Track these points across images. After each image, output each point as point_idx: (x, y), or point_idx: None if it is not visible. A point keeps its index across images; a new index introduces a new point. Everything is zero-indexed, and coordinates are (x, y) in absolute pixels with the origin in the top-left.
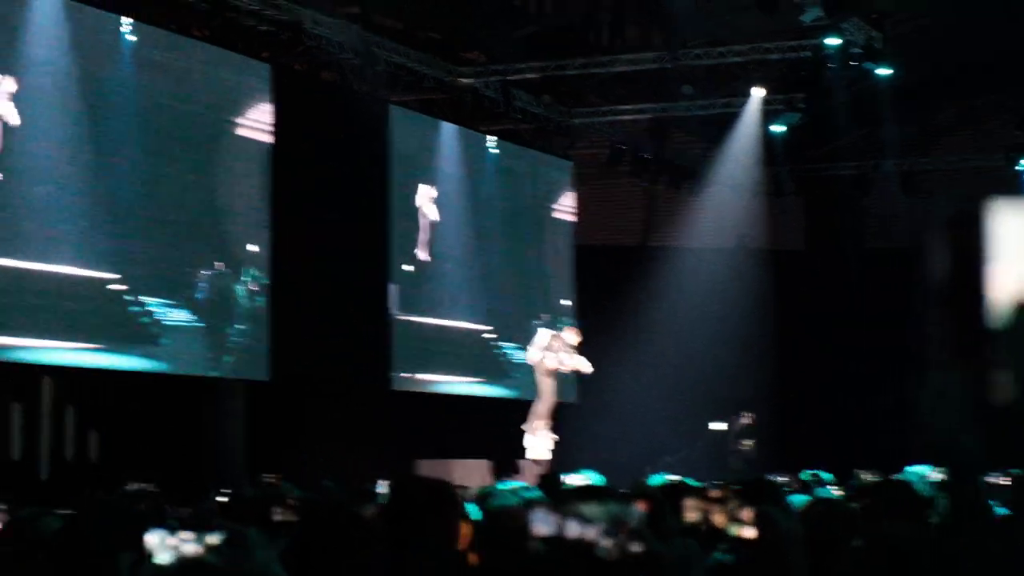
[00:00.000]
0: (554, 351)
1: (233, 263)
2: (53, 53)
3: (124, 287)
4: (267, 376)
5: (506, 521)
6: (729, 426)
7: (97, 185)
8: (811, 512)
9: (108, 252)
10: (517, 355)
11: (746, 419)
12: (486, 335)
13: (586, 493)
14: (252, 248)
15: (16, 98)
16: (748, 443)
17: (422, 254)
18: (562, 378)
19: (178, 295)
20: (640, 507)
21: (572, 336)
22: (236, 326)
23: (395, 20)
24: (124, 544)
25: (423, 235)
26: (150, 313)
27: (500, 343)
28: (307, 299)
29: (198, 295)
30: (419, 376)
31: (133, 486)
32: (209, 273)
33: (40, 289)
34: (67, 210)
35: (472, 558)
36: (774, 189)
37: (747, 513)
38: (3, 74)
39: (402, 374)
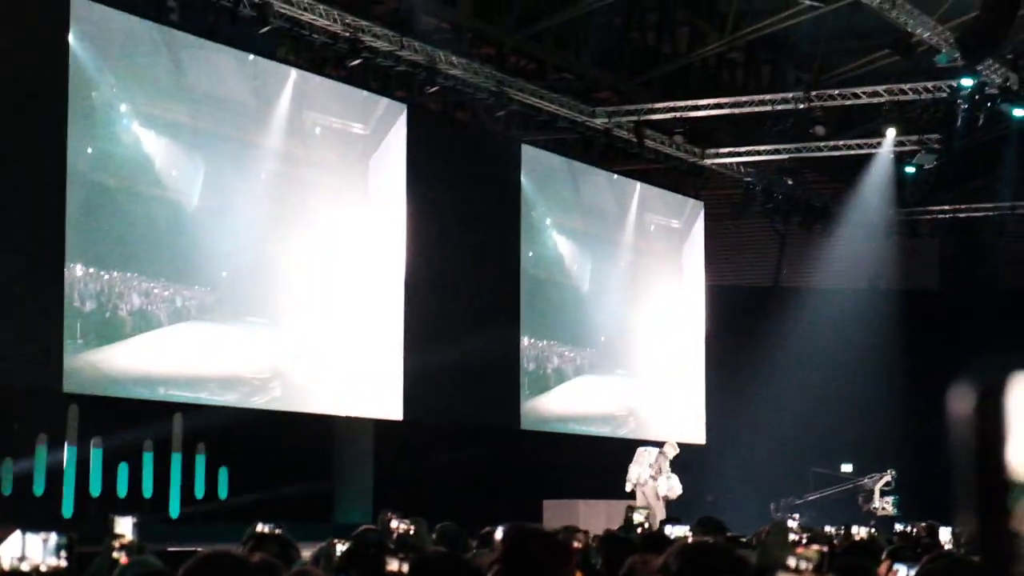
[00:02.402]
0: (646, 465)
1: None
2: (206, 93)
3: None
4: (400, 415)
5: None
6: (869, 483)
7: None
8: (931, 570)
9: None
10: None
11: (888, 476)
12: (619, 373)
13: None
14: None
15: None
16: (888, 501)
17: (549, 289)
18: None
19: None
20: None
21: (671, 450)
22: (369, 364)
23: (528, 61)
24: None
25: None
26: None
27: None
28: (439, 335)
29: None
30: (543, 403)
31: (261, 528)
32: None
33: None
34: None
35: None
36: (907, 230)
37: None
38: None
39: (528, 402)
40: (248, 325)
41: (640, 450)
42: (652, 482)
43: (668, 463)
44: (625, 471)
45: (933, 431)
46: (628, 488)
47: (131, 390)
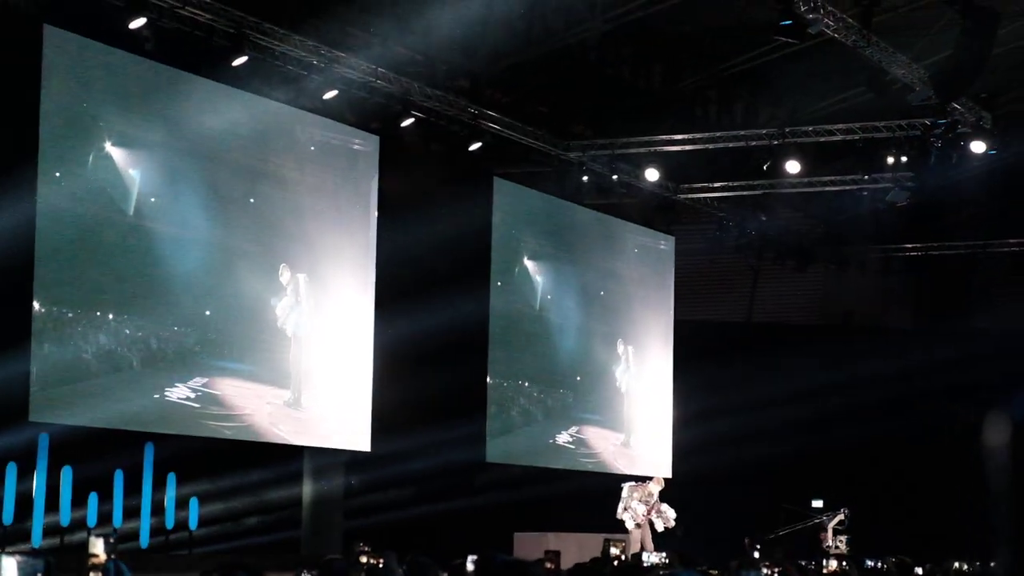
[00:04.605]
0: (638, 502)
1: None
2: (182, 122)
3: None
4: (369, 447)
5: None
6: (824, 520)
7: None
8: None
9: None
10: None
11: (841, 515)
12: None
13: None
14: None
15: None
16: (842, 540)
17: (521, 324)
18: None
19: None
20: None
21: (656, 486)
22: (339, 395)
23: (503, 94)
24: None
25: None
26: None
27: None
28: (409, 366)
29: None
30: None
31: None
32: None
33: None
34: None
35: None
36: (881, 267)
37: None
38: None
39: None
40: (230, 368)
41: (624, 486)
42: (624, 513)
43: (634, 495)
44: (595, 504)
45: (903, 468)
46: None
47: (101, 419)
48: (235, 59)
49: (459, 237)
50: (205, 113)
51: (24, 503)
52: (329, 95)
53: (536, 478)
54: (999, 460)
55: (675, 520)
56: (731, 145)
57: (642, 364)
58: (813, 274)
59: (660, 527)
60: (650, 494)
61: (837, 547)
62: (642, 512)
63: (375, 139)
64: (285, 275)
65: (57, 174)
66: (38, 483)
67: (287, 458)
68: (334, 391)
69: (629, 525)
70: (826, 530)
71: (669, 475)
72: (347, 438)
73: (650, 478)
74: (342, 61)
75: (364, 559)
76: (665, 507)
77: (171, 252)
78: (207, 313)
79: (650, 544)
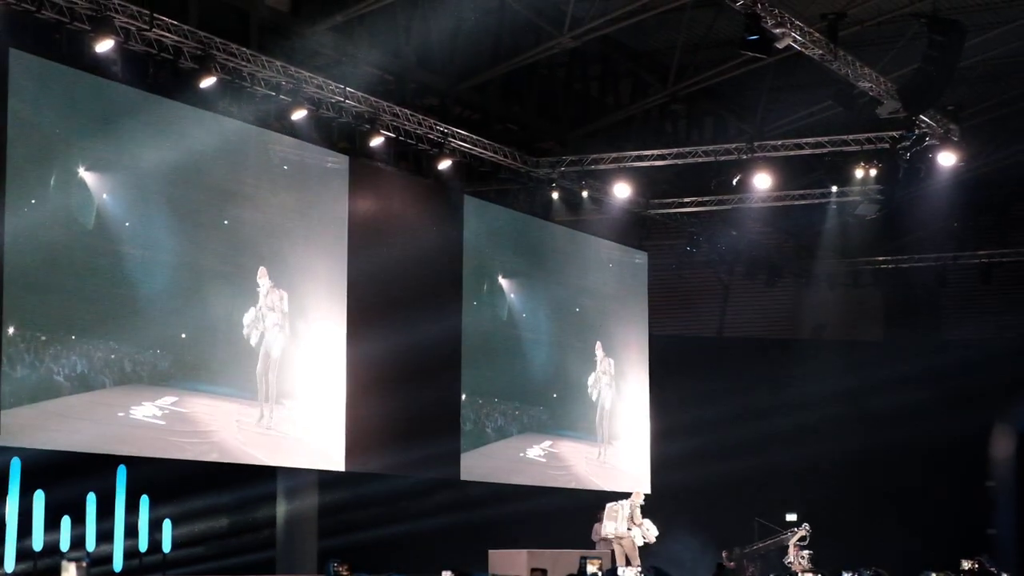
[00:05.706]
0: (621, 519)
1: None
2: (151, 145)
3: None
4: (343, 466)
5: None
6: (788, 536)
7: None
8: None
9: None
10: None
11: (803, 531)
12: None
13: None
14: (328, 334)
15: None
16: (805, 555)
17: (494, 341)
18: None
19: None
20: None
21: (638, 499)
22: (312, 415)
23: (472, 111)
24: None
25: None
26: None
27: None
28: (382, 386)
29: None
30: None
31: None
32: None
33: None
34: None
35: None
36: (850, 280)
37: None
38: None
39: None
40: (205, 389)
41: (610, 505)
42: (629, 533)
43: (639, 511)
44: (570, 521)
45: (876, 480)
46: (599, 539)
47: (74, 443)
48: (203, 81)
49: (431, 255)
50: (174, 135)
51: None
52: (298, 115)
53: (511, 495)
54: (1004, 471)
55: (656, 536)
56: (700, 160)
57: (618, 379)
58: (783, 288)
59: (640, 541)
60: (635, 508)
61: (799, 563)
62: (655, 533)
63: (345, 158)
64: (264, 280)
65: (27, 198)
66: (10, 507)
67: (261, 478)
68: (307, 410)
69: (640, 542)
70: (788, 546)
71: (648, 490)
72: (321, 457)
73: (628, 494)
74: (310, 81)
75: None
76: (647, 522)
77: (144, 275)
78: (183, 336)
79: (623, 559)
